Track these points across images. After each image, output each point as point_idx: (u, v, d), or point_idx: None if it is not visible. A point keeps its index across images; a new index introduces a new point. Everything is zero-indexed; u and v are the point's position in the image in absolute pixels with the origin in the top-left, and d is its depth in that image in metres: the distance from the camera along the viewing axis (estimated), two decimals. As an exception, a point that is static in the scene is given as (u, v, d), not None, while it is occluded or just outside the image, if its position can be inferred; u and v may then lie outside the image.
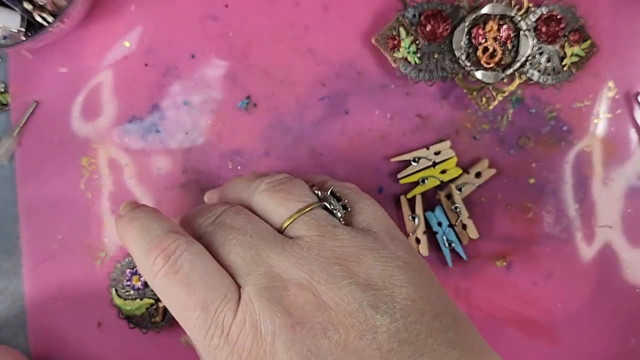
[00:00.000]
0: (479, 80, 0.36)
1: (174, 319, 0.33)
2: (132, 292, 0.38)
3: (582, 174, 0.38)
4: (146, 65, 0.38)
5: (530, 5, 0.35)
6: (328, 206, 0.27)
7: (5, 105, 0.39)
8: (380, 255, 0.26)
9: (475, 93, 0.37)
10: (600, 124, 0.38)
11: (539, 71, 0.36)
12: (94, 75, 0.38)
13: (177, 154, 0.39)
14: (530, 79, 0.36)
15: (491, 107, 0.37)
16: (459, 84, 0.37)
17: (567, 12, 0.35)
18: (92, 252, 0.40)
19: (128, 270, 0.38)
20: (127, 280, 0.38)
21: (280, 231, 0.27)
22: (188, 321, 0.25)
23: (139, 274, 0.38)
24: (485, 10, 0.35)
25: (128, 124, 0.38)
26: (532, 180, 0.38)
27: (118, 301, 0.39)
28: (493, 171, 0.38)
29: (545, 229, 0.39)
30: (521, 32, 0.35)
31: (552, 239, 0.39)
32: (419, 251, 0.38)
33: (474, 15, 0.35)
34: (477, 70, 0.35)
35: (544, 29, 0.35)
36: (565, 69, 0.36)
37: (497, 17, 0.35)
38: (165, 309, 0.38)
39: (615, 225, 0.39)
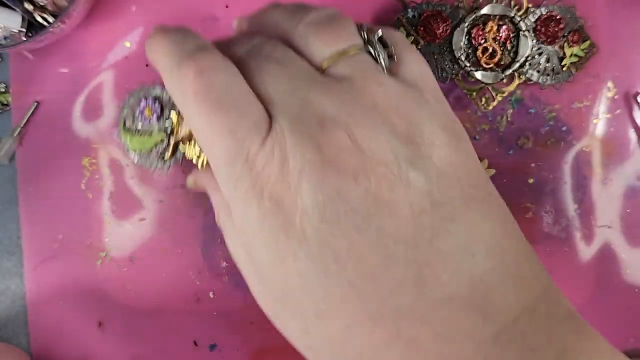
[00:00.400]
0: (478, 80, 0.36)
1: (183, 157, 0.33)
2: (142, 126, 0.35)
3: (582, 174, 0.38)
4: (147, 65, 0.38)
5: (530, 5, 0.35)
6: (372, 52, 0.25)
7: (6, 105, 0.39)
8: (423, 111, 0.23)
9: (474, 93, 0.37)
10: (599, 124, 0.38)
11: (538, 71, 0.36)
12: (95, 76, 0.38)
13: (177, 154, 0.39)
14: (529, 80, 0.36)
15: (490, 108, 0.37)
16: (458, 84, 0.37)
17: (567, 12, 0.35)
18: (93, 252, 0.40)
19: (143, 101, 0.34)
20: (139, 113, 0.35)
21: (321, 70, 0.24)
22: (212, 145, 0.23)
23: (152, 105, 0.35)
24: (484, 10, 0.35)
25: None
26: (531, 180, 0.38)
27: (125, 137, 0.35)
28: (492, 171, 0.38)
29: (545, 228, 0.39)
30: (521, 33, 0.35)
31: (551, 238, 0.39)
32: None
33: (473, 16, 0.35)
34: (476, 70, 0.36)
35: (543, 29, 0.35)
36: (564, 69, 0.36)
37: (497, 17, 0.35)
38: (176, 146, 0.35)
39: (615, 225, 0.39)
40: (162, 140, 0.35)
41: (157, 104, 0.35)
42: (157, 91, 0.35)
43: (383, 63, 0.24)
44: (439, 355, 0.21)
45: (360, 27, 0.26)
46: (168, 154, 0.35)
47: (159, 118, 0.35)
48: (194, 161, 0.34)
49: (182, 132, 0.34)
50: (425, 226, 0.21)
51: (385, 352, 0.21)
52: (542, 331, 0.22)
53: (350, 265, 0.21)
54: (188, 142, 0.34)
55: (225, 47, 0.25)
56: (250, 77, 0.24)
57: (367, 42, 0.25)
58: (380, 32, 0.25)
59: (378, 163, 0.22)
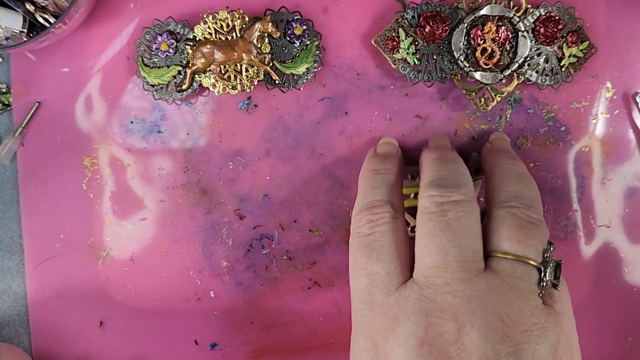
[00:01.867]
0: (477, 81, 0.36)
1: (201, 86, 0.36)
2: (159, 59, 0.37)
3: (581, 174, 0.39)
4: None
5: (529, 6, 0.35)
6: (541, 273, 0.28)
7: (8, 105, 0.39)
8: (549, 343, 0.26)
9: (473, 94, 0.37)
10: (598, 124, 0.38)
11: (537, 72, 0.36)
12: (96, 76, 0.38)
13: (178, 154, 0.39)
14: (528, 80, 0.36)
15: (489, 108, 0.37)
16: (457, 84, 0.37)
17: (565, 13, 0.35)
18: (94, 252, 0.40)
19: (159, 37, 0.36)
20: (156, 47, 0.36)
21: (489, 253, 0.28)
22: (353, 278, 0.30)
23: (167, 40, 0.36)
24: (483, 11, 0.35)
25: (130, 125, 0.39)
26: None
27: (144, 73, 0.37)
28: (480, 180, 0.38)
29: (544, 228, 0.39)
30: (519, 33, 0.35)
31: (550, 238, 0.39)
32: None
33: (472, 17, 0.35)
34: (475, 71, 0.36)
35: (542, 30, 0.35)
36: (563, 69, 0.36)
37: (496, 18, 0.35)
38: (192, 76, 0.36)
39: (614, 225, 0.39)
40: (179, 72, 0.36)
41: (172, 39, 0.35)
42: (171, 26, 0.36)
43: (543, 285, 0.28)
44: None
45: (549, 245, 0.29)
46: (185, 85, 0.36)
47: (174, 51, 0.36)
48: (211, 89, 0.36)
49: (198, 62, 0.35)
50: None
51: None
52: None
53: None
54: (203, 73, 0.35)
55: (431, 167, 0.31)
56: (419, 230, 0.29)
57: (545, 263, 0.28)
58: (562, 261, 0.29)
59: None
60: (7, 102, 0.39)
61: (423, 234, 0.28)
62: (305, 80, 0.37)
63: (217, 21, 0.36)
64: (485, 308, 0.26)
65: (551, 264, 0.28)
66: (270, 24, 0.35)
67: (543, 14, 0.35)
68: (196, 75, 0.36)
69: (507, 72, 0.36)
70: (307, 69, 0.37)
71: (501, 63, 0.36)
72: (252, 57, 0.36)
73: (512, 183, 0.31)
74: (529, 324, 0.26)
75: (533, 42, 0.36)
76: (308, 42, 0.36)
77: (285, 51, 0.37)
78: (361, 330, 0.29)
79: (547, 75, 0.36)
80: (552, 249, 0.29)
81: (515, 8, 0.36)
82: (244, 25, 0.36)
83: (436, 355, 0.25)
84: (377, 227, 0.30)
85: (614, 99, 0.38)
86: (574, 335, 0.29)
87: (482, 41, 0.35)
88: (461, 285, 0.27)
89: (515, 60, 0.35)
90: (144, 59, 0.37)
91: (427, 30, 0.35)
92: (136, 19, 0.38)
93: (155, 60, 0.37)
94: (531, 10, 0.35)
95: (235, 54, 0.35)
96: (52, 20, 0.35)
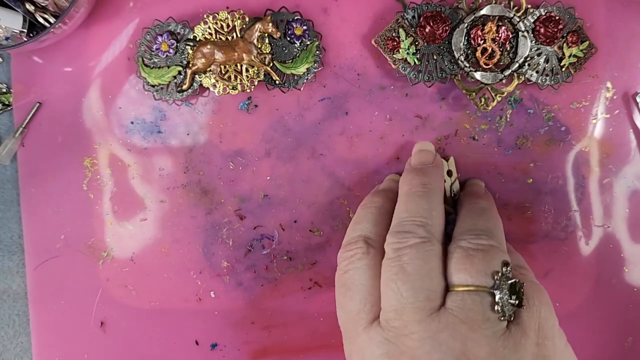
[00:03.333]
0: (477, 81, 0.36)
1: (200, 86, 0.36)
2: (159, 59, 0.37)
3: (580, 174, 0.39)
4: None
5: (529, 6, 0.35)
6: (497, 296, 0.28)
7: (8, 105, 0.39)
8: None
9: (474, 94, 0.37)
10: (598, 125, 0.38)
11: (537, 72, 0.36)
12: (96, 76, 0.38)
13: (178, 154, 0.39)
14: (528, 80, 0.36)
15: (490, 108, 0.37)
16: (457, 84, 0.37)
17: (565, 13, 0.35)
18: (95, 252, 0.40)
19: (159, 37, 0.36)
20: (156, 47, 0.36)
21: (446, 287, 0.29)
22: (337, 307, 0.32)
23: (168, 40, 0.36)
24: (484, 11, 0.35)
25: (130, 125, 0.39)
26: (530, 180, 0.39)
27: (144, 73, 0.37)
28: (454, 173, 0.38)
29: (543, 228, 0.39)
30: (520, 33, 0.35)
31: (550, 238, 0.39)
32: None
33: (472, 17, 0.35)
34: (476, 71, 0.36)
35: (542, 30, 0.35)
36: (563, 69, 0.36)
37: (496, 18, 0.35)
38: (193, 77, 0.36)
39: (614, 225, 0.39)
40: (179, 73, 0.36)
41: (172, 39, 0.36)
42: (171, 27, 0.36)
43: (502, 308, 0.28)
44: None
45: (504, 265, 0.29)
46: (186, 85, 0.36)
47: (175, 52, 0.36)
48: (211, 89, 0.36)
49: (198, 63, 0.35)
50: None
51: None
52: None
53: None
54: (204, 73, 0.35)
55: (398, 216, 0.32)
56: (384, 272, 0.30)
57: (496, 286, 0.28)
58: (516, 280, 0.28)
59: None
60: (7, 102, 0.39)
61: (383, 280, 0.29)
62: (305, 81, 0.37)
63: (218, 21, 0.36)
64: (439, 349, 0.26)
65: (503, 285, 0.28)
66: (270, 24, 0.35)
67: (543, 14, 0.35)
68: (196, 76, 0.36)
69: (507, 72, 0.36)
70: (307, 69, 0.37)
71: (501, 63, 0.36)
72: (253, 57, 0.36)
73: (466, 219, 0.32)
74: (486, 356, 0.26)
75: (533, 42, 0.36)
76: (308, 43, 0.36)
77: (286, 51, 0.37)
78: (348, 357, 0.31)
79: (547, 75, 0.36)
80: (506, 269, 0.28)
81: (516, 8, 0.36)
82: (244, 26, 0.36)
83: None
84: (351, 265, 0.31)
85: (614, 99, 0.38)
86: (552, 345, 0.28)
87: (483, 41, 0.35)
88: (417, 327, 0.27)
89: (516, 60, 0.35)
90: (145, 59, 0.37)
91: (427, 30, 0.35)
92: (136, 19, 0.38)
93: (156, 60, 0.37)
94: (531, 10, 0.35)
95: (236, 54, 0.35)
96: (52, 20, 0.35)
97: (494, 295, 0.28)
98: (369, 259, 0.31)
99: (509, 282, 0.28)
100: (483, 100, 0.37)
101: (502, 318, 0.27)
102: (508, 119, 0.38)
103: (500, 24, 0.35)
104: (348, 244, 0.32)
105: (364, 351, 0.29)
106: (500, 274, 0.28)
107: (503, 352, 0.26)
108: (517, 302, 0.28)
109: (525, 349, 0.27)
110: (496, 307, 0.27)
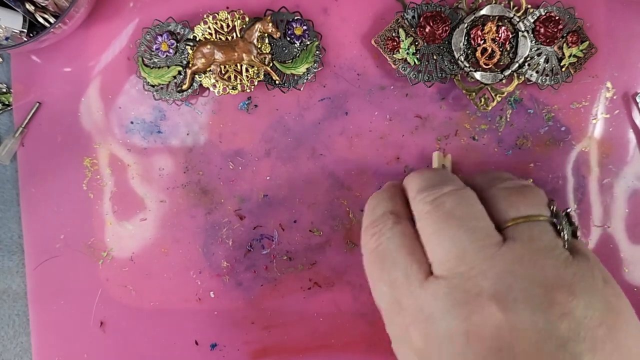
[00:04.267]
0: (477, 81, 0.36)
1: (201, 86, 0.36)
2: (159, 59, 0.36)
3: (580, 174, 0.39)
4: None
5: (529, 6, 0.35)
6: (557, 225, 0.27)
7: (8, 105, 0.39)
8: (592, 297, 0.25)
9: (474, 94, 0.37)
10: (598, 125, 0.38)
11: (537, 72, 0.36)
12: (96, 76, 0.38)
13: (178, 154, 0.39)
14: (528, 80, 0.36)
15: (490, 108, 0.37)
16: (457, 84, 0.37)
17: (565, 13, 0.35)
18: (94, 252, 0.40)
19: (159, 37, 0.36)
20: (156, 47, 0.36)
21: (500, 229, 0.27)
22: (376, 294, 0.29)
23: (168, 40, 0.36)
24: (484, 11, 0.35)
25: (130, 125, 0.39)
26: (530, 181, 0.39)
27: (144, 73, 0.36)
28: (449, 158, 0.38)
29: (544, 228, 0.39)
30: (520, 33, 0.35)
31: (550, 238, 0.39)
32: None
33: (472, 17, 0.35)
34: (475, 71, 0.36)
35: (542, 30, 0.35)
36: (563, 69, 0.36)
37: (496, 18, 0.35)
38: (193, 77, 0.36)
39: (614, 225, 0.39)
40: (179, 73, 0.36)
41: (172, 39, 0.36)
42: (171, 27, 0.36)
43: (565, 237, 0.27)
44: None
45: (551, 201, 0.28)
46: (186, 85, 0.36)
47: (175, 52, 0.36)
48: (211, 89, 0.36)
49: (198, 63, 0.35)
50: None
51: None
52: None
53: None
54: (204, 73, 0.35)
55: (416, 186, 0.30)
56: (425, 231, 0.28)
57: (555, 215, 0.27)
58: (569, 210, 0.28)
59: (529, 344, 0.23)
60: (7, 102, 0.39)
61: (429, 234, 0.27)
62: (305, 81, 0.37)
63: (218, 21, 0.36)
64: (521, 279, 0.24)
65: (560, 214, 0.27)
66: (270, 24, 0.35)
67: (543, 14, 0.35)
68: (196, 76, 0.36)
69: (507, 72, 0.36)
70: (307, 69, 0.37)
71: (501, 63, 0.36)
72: (253, 57, 0.36)
73: (488, 172, 0.32)
74: (568, 279, 0.25)
75: (533, 42, 0.36)
76: (308, 43, 0.36)
77: (286, 51, 0.37)
78: (402, 344, 0.28)
79: (547, 75, 0.36)
80: (554, 202, 0.28)
81: (516, 8, 0.36)
82: (244, 26, 0.36)
83: (487, 347, 0.24)
84: (382, 237, 0.29)
85: (614, 99, 0.38)
86: (608, 274, 0.27)
87: (483, 41, 0.35)
88: (487, 264, 0.25)
89: (516, 60, 0.35)
90: (144, 59, 0.37)
91: (427, 30, 0.35)
92: (136, 19, 0.38)
93: (156, 60, 0.37)
94: (531, 11, 0.35)
95: (236, 54, 0.35)
96: (52, 20, 0.35)
97: (554, 225, 0.27)
98: (401, 226, 0.29)
99: (563, 212, 0.28)
100: (483, 100, 0.37)
101: (565, 246, 0.27)
102: (508, 119, 0.38)
103: (500, 24, 0.35)
104: (372, 222, 0.30)
105: (429, 310, 0.26)
106: (554, 205, 0.28)
107: (582, 272, 0.25)
108: (575, 229, 0.28)
109: (596, 269, 0.26)
110: (562, 234, 0.27)
